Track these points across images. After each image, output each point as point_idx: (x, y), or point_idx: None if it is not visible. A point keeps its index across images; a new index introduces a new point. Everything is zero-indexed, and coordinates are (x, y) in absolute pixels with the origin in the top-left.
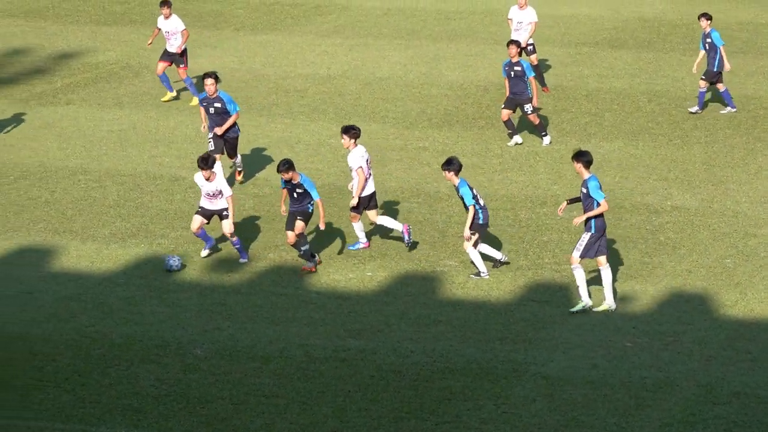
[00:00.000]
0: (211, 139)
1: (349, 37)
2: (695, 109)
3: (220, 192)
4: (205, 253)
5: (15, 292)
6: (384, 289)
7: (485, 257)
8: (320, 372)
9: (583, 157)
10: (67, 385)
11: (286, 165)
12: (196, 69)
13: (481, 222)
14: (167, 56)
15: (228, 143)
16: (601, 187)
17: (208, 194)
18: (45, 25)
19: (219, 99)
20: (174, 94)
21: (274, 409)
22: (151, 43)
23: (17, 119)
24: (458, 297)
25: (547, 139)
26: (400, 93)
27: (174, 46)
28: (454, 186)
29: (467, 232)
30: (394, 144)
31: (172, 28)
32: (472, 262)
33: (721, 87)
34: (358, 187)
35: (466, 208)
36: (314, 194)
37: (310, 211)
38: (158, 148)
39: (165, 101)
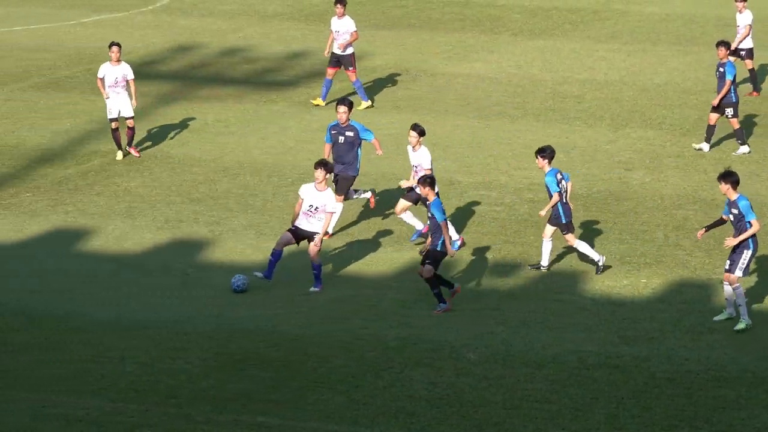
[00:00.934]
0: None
1: (627, 43)
2: None
3: (322, 209)
4: (258, 275)
5: (290, 293)
6: (658, 296)
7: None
8: (593, 378)
9: (730, 177)
10: (340, 387)
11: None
12: (468, 73)
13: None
14: (335, 60)
15: (341, 181)
16: (752, 207)
17: (310, 209)
18: (324, 28)
19: (351, 128)
20: (368, 103)
21: (546, 414)
22: (328, 51)
23: (297, 122)
24: None
25: (744, 149)
26: (678, 99)
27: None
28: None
29: None
30: (671, 150)
31: (343, 28)
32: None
33: None
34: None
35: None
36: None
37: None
38: (435, 151)
39: (361, 109)
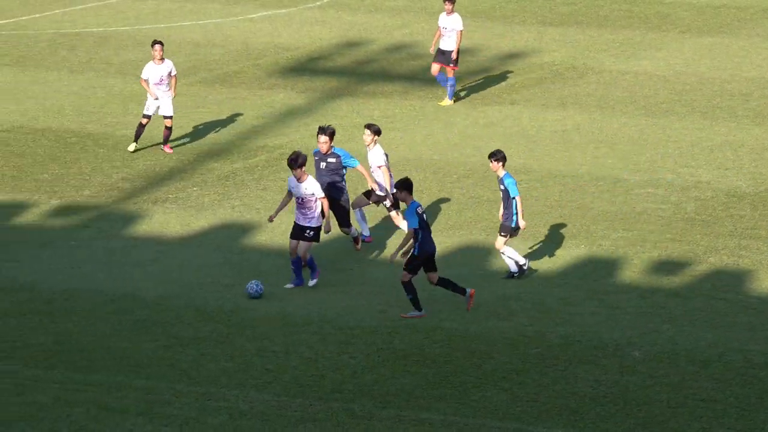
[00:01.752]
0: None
1: None
2: None
3: (311, 199)
4: (289, 286)
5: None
6: None
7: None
8: (759, 378)
9: None
10: (504, 384)
11: None
12: (635, 70)
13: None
14: (440, 56)
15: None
16: None
17: (300, 200)
18: (492, 25)
19: (333, 155)
20: (450, 102)
21: (711, 413)
22: (434, 48)
23: (463, 118)
24: None
25: None
26: None
27: (447, 43)
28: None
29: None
30: None
31: (451, 25)
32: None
33: None
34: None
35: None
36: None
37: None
38: (601, 149)
39: (442, 105)
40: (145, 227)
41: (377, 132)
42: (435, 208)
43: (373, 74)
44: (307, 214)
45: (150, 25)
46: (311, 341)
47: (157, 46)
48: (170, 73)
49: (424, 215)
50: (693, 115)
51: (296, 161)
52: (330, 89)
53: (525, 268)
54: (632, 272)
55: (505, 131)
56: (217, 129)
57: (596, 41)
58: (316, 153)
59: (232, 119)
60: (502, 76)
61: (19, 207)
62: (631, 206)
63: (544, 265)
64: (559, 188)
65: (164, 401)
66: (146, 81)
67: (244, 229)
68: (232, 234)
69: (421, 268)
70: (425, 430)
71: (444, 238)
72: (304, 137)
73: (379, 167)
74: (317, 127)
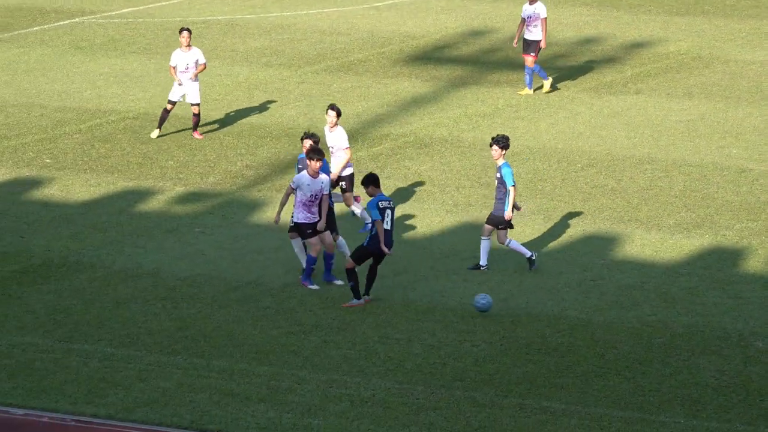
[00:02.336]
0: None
1: None
2: None
3: (322, 196)
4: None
5: (579, 279)
6: None
7: None
8: None
9: None
10: (627, 373)
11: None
12: (762, 60)
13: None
14: (527, 47)
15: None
16: None
17: (313, 197)
18: (618, 14)
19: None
20: (549, 81)
21: None
22: (517, 40)
23: (587, 108)
24: None
25: None
26: None
27: (533, 33)
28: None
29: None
30: None
31: (534, 14)
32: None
33: None
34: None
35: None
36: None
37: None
38: (726, 139)
39: (545, 92)
40: (269, 214)
41: (339, 113)
42: (558, 197)
43: (497, 63)
44: (314, 212)
45: (276, 13)
46: (434, 329)
47: (185, 33)
48: (197, 61)
49: (389, 211)
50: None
51: (318, 151)
52: (455, 78)
53: (533, 259)
54: (757, 262)
55: (630, 121)
56: (341, 117)
57: (722, 31)
58: (301, 160)
59: (356, 107)
60: (628, 66)
61: (145, 194)
62: (756, 196)
63: (669, 254)
64: (683, 178)
65: (286, 388)
66: (174, 68)
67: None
68: (356, 222)
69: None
70: (547, 418)
71: (568, 227)
72: (428, 126)
73: (345, 149)
74: (452, 111)
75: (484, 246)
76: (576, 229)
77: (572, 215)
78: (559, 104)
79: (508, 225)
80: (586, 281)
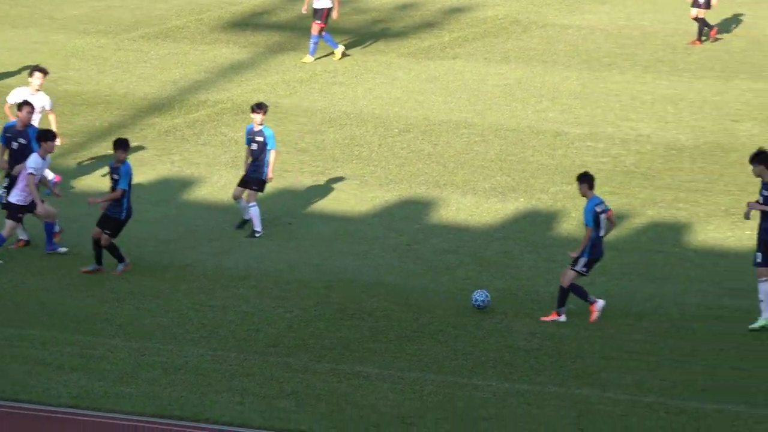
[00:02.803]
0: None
1: None
2: None
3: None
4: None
5: (395, 244)
6: None
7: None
8: (693, 330)
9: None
10: (441, 337)
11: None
12: (579, 24)
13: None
14: (315, 14)
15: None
16: None
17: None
18: None
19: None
20: (340, 49)
21: (644, 365)
22: (306, 8)
23: (405, 73)
24: None
25: None
26: None
27: (320, 1)
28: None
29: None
30: None
31: None
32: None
33: None
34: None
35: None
36: None
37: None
38: (543, 103)
39: (337, 59)
40: (86, 181)
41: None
42: (375, 161)
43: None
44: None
45: None
46: (248, 296)
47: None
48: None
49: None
50: (635, 68)
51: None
52: (273, 44)
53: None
54: (570, 226)
55: (447, 86)
56: (158, 84)
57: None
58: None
59: (174, 74)
60: (446, 31)
61: None
62: (572, 160)
63: (484, 218)
64: (500, 142)
65: (99, 356)
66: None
67: (184, 184)
68: (171, 189)
69: None
70: (360, 383)
71: (384, 192)
72: (246, 92)
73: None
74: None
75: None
76: (392, 194)
77: (388, 180)
78: (377, 70)
79: (262, 187)
80: (402, 246)
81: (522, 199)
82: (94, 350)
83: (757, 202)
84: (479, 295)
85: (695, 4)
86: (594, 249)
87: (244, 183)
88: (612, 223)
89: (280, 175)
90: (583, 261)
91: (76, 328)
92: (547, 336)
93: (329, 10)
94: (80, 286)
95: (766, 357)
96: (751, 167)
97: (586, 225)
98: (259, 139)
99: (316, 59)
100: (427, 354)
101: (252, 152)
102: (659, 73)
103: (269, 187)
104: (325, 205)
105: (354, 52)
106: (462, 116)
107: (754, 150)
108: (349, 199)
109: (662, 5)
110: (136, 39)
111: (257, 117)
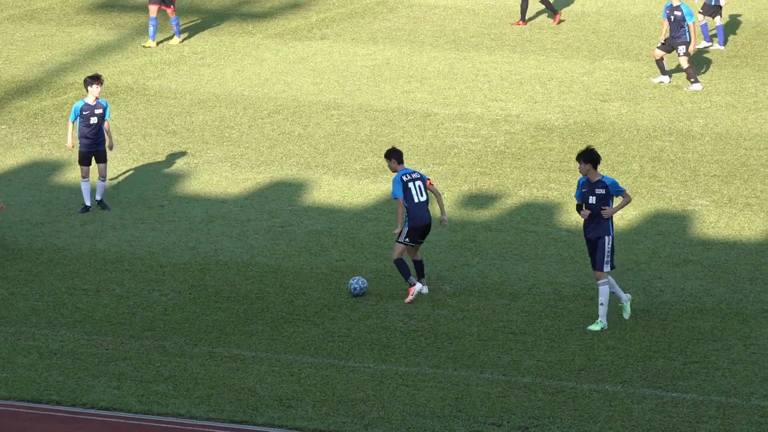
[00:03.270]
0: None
1: None
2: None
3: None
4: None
5: (268, 226)
6: (634, 227)
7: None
8: (569, 310)
9: (590, 156)
10: (316, 319)
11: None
12: (445, 4)
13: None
14: None
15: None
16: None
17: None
18: None
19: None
20: (178, 39)
21: (521, 345)
22: None
23: (273, 54)
24: (709, 237)
25: (696, 86)
26: (655, 31)
27: None
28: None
29: None
30: (647, 82)
31: None
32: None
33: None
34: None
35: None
36: None
37: None
38: (411, 83)
39: (146, 47)
40: None
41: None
42: (246, 143)
43: (182, 9)
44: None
45: None
46: (122, 279)
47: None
48: None
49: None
50: (503, 48)
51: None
52: (140, 25)
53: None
54: (445, 206)
55: (316, 66)
56: (25, 66)
57: None
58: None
59: (40, 56)
60: (313, 12)
61: None
62: (442, 140)
63: (356, 199)
64: (369, 123)
65: None
66: None
67: (54, 167)
68: (41, 172)
69: None
70: (237, 366)
71: (255, 174)
72: (114, 74)
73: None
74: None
75: (86, 188)
76: (263, 176)
77: (259, 162)
78: (245, 51)
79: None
80: (275, 228)
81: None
82: None
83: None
84: (356, 283)
85: None
86: (414, 218)
87: (90, 159)
88: (436, 193)
89: (151, 158)
90: (404, 232)
91: None
92: (423, 317)
93: None
94: None
95: (641, 337)
96: (579, 164)
97: (395, 197)
98: (99, 111)
99: (182, 41)
100: (303, 336)
101: (91, 126)
102: (527, 53)
103: (141, 171)
104: (197, 187)
105: (221, 33)
106: (331, 97)
107: (622, 129)
108: (221, 182)
109: None
110: (1, 21)
111: (97, 90)
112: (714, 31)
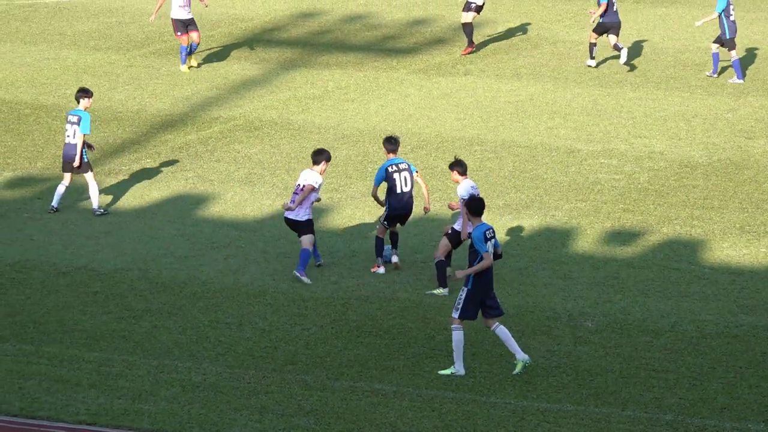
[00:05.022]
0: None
1: (750, 11)
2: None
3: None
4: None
5: (410, 261)
6: None
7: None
8: (711, 347)
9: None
10: None
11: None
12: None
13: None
14: (181, 25)
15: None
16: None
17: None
18: None
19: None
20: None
21: (663, 383)
22: (155, 16)
23: (417, 89)
24: None
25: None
26: None
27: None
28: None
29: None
30: None
31: None
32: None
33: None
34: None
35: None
36: None
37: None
38: (555, 119)
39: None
40: (100, 199)
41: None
42: None
43: (327, 45)
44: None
45: None
46: (265, 313)
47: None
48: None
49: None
50: (647, 85)
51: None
52: (284, 60)
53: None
54: (585, 243)
55: (460, 102)
56: (170, 100)
57: (550, 12)
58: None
59: (186, 91)
60: (457, 47)
61: None
62: (585, 176)
63: (499, 235)
64: (513, 159)
65: (117, 374)
66: None
67: (198, 200)
68: (185, 206)
69: None
70: (378, 400)
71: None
72: (258, 109)
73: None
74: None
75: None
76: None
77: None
78: (389, 86)
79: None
80: (417, 263)
81: (536, 216)
82: (111, 367)
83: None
84: (387, 251)
85: (467, 8)
86: (394, 206)
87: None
88: (422, 185)
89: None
90: (384, 215)
91: (93, 345)
92: (565, 354)
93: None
94: (97, 304)
95: None
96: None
97: (375, 185)
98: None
99: (329, 77)
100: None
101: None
102: (671, 90)
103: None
104: (340, 222)
105: (366, 68)
106: (474, 133)
107: (767, 167)
108: (364, 216)
109: (672, 22)
110: (147, 55)
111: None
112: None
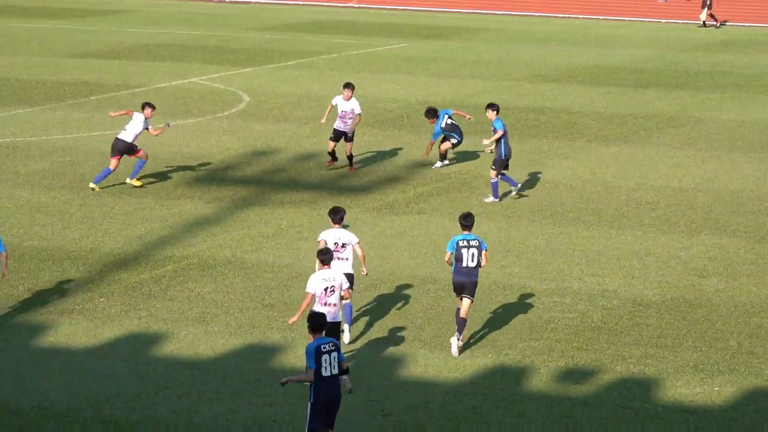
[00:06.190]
0: None
1: (702, 150)
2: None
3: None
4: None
5: (364, 400)
6: (731, 404)
7: None
8: None
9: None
10: None
11: None
12: (542, 179)
13: None
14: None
15: None
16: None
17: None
18: (399, 134)
19: None
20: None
21: None
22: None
23: (370, 228)
24: None
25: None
26: (753, 206)
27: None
28: None
29: None
30: (745, 258)
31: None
32: None
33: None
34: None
35: None
36: None
37: None
38: (508, 257)
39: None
40: (52, 338)
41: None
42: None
43: (281, 183)
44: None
45: (57, 135)
46: None
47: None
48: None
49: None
50: (600, 224)
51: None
52: (238, 199)
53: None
54: (539, 381)
55: (413, 240)
56: (123, 239)
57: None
58: None
59: (138, 230)
60: (411, 186)
61: None
62: (539, 315)
63: (452, 374)
64: None
65: None
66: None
67: (151, 339)
68: (138, 345)
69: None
70: None
71: (351, 347)
72: (211, 247)
73: None
74: (235, 232)
75: None
76: (363, 351)
77: (359, 336)
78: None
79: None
80: (371, 402)
81: (490, 355)
82: None
83: None
84: None
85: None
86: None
87: None
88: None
89: (248, 331)
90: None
91: None
92: None
93: None
94: None
95: None
96: None
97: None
98: None
99: (283, 215)
100: None
101: None
102: (624, 228)
103: (236, 344)
104: (294, 361)
105: (319, 206)
106: (428, 271)
107: (720, 306)
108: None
109: (625, 160)
110: (100, 194)
111: None
112: None
